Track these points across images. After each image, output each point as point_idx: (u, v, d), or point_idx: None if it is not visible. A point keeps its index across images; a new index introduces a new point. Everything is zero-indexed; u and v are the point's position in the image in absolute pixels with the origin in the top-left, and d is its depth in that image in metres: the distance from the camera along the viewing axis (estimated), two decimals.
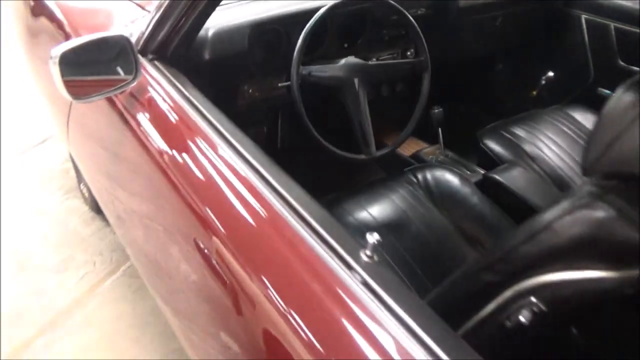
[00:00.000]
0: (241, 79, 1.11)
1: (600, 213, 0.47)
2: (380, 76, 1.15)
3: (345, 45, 1.20)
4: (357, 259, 0.53)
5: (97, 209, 1.78)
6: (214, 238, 0.67)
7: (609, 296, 0.49)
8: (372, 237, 0.53)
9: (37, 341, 1.37)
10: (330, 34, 1.15)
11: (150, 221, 0.96)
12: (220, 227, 0.67)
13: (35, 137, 2.20)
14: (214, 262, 0.68)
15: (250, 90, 1.13)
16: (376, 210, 1.01)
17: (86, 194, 1.79)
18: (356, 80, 1.04)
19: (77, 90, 0.81)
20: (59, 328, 1.40)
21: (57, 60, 0.75)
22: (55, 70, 0.76)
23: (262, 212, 0.62)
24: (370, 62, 1.13)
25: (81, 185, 1.83)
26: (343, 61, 1.06)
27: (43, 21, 1.27)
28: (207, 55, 0.99)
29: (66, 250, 1.66)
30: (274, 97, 1.16)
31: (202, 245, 0.71)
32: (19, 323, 1.41)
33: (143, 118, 0.88)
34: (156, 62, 0.91)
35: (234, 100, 1.11)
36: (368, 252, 0.53)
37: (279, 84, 1.09)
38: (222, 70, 1.03)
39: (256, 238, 0.63)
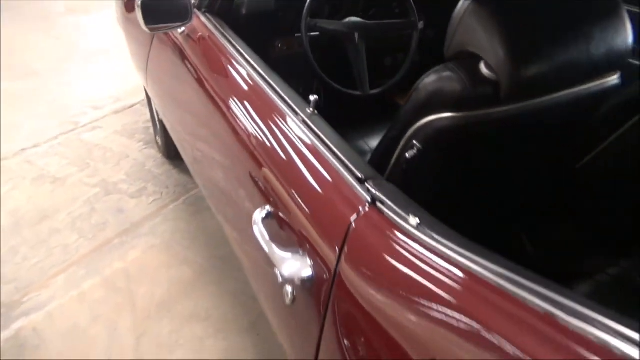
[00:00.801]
0: (273, 35, 1.44)
1: (443, 74, 0.74)
2: (376, 33, 1.42)
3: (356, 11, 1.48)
4: (305, 112, 0.84)
5: (167, 155, 2.21)
6: (263, 168, 0.87)
7: (460, 132, 0.75)
8: (313, 97, 0.83)
9: (115, 240, 1.78)
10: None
11: (211, 150, 1.24)
12: (264, 157, 0.88)
13: (128, 102, 2.71)
14: (260, 185, 0.88)
15: (279, 45, 1.46)
16: None
17: (160, 144, 2.22)
18: (356, 35, 1.34)
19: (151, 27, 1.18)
20: (131, 234, 1.81)
21: (139, 4, 1.13)
22: (138, 12, 1.14)
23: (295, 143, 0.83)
24: (368, 22, 1.41)
25: (157, 137, 2.26)
26: (347, 19, 1.36)
27: None
28: (244, 11, 1.33)
29: (142, 183, 2.08)
30: (298, 53, 1.48)
31: (253, 174, 0.90)
32: (104, 228, 1.84)
33: (194, 51, 1.24)
34: (207, 14, 1.26)
35: (266, 53, 1.45)
36: (311, 108, 0.83)
37: (296, 35, 1.41)
38: (257, 25, 1.37)
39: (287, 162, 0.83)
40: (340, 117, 1.01)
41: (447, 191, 0.87)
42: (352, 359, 0.59)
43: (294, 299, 0.68)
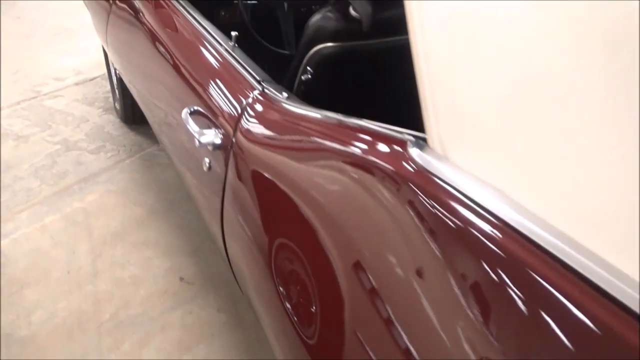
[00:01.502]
0: (220, 5, 1.71)
1: (324, 14, 1.03)
2: (302, 2, 1.71)
3: None
4: (228, 45, 1.11)
5: (125, 120, 2.43)
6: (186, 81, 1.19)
7: (338, 58, 1.04)
8: (234, 34, 1.10)
9: (74, 186, 2.00)
10: None
11: (164, 98, 1.49)
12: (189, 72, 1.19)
13: (89, 75, 2.90)
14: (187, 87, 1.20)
15: (223, 14, 1.73)
16: None
17: (118, 109, 2.44)
18: (285, 4, 1.63)
19: None
20: (89, 181, 2.03)
21: None
22: None
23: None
24: None
25: (115, 103, 2.48)
26: None
27: None
28: None
29: (100, 142, 2.30)
30: (240, 21, 1.75)
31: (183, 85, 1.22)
32: (64, 177, 2.05)
33: (148, 11, 1.48)
34: None
35: (212, 20, 1.71)
36: (232, 42, 1.11)
37: (234, 1, 1.68)
38: None
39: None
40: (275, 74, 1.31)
41: (336, 108, 1.16)
42: (246, 210, 0.85)
43: (209, 167, 0.95)
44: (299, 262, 0.69)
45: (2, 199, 1.89)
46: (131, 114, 2.35)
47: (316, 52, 1.05)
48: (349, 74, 1.11)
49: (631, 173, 0.34)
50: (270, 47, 1.62)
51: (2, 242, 1.69)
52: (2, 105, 2.56)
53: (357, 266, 0.56)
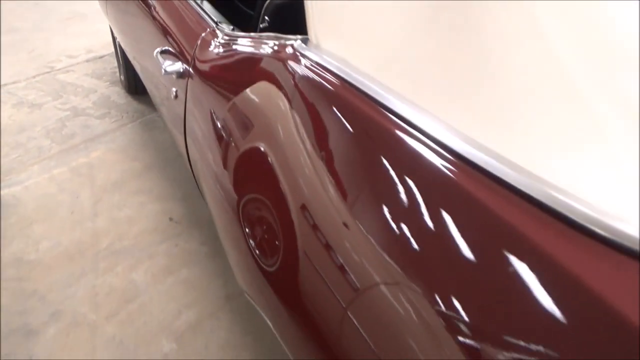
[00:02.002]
0: None
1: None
2: None
3: None
4: (198, 2, 1.29)
5: (129, 90, 2.64)
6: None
7: (288, 9, 1.22)
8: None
9: (81, 145, 2.21)
10: None
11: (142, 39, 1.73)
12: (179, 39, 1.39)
13: (99, 54, 3.13)
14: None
15: None
16: None
17: (123, 80, 2.65)
18: None
19: None
20: (94, 141, 2.25)
21: None
22: None
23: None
24: None
25: (120, 75, 2.69)
26: None
27: None
28: None
29: (106, 109, 2.52)
30: None
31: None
32: (72, 137, 2.27)
33: None
34: None
35: None
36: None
37: None
38: None
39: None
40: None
41: None
42: (200, 126, 1.03)
43: (176, 95, 1.14)
44: (241, 162, 0.87)
45: (16, 155, 2.12)
46: (134, 84, 2.56)
47: (270, 2, 1.23)
48: (299, 23, 1.28)
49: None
50: (242, 6, 1.82)
51: (15, 188, 1.91)
52: (19, 79, 2.80)
53: (275, 147, 0.74)
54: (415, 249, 0.46)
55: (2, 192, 1.89)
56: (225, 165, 0.86)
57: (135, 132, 2.34)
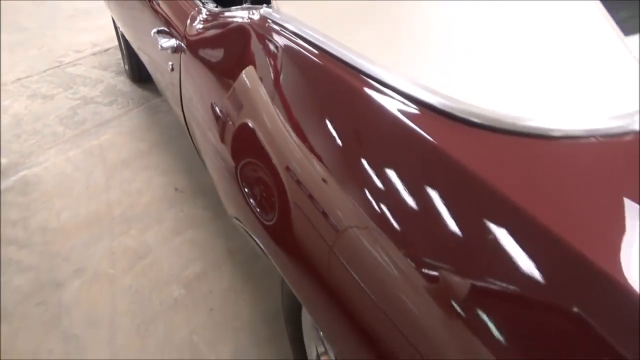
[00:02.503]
0: None
1: None
2: None
3: None
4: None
5: (133, 79, 2.83)
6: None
7: None
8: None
9: (92, 130, 2.41)
10: None
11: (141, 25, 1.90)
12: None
13: (104, 47, 3.32)
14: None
15: None
16: None
17: (127, 69, 2.84)
18: None
19: None
20: (104, 126, 2.44)
21: None
22: None
23: None
24: None
25: (125, 65, 2.88)
26: None
27: None
28: None
29: (113, 97, 2.70)
30: None
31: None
32: (83, 123, 2.46)
33: None
34: None
35: None
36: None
37: None
38: None
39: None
40: None
41: None
42: (193, 92, 1.20)
43: (172, 68, 1.32)
44: (228, 120, 1.04)
45: (34, 140, 2.32)
46: (138, 73, 2.75)
47: None
48: None
49: None
50: None
51: (35, 169, 2.11)
52: (31, 73, 3.00)
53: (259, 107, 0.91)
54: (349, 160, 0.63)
55: (24, 172, 2.09)
56: (213, 122, 1.04)
57: (140, 117, 2.52)
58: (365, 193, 0.58)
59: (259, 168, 0.81)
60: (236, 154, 0.90)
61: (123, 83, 2.86)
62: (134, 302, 1.49)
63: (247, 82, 0.88)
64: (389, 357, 0.56)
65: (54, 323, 1.43)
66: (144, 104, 2.64)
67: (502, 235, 0.46)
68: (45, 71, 3.04)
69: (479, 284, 0.46)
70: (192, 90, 1.18)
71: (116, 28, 2.74)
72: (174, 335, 1.40)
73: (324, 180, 0.64)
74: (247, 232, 0.96)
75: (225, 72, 0.97)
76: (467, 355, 0.46)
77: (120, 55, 3.02)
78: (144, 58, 1.98)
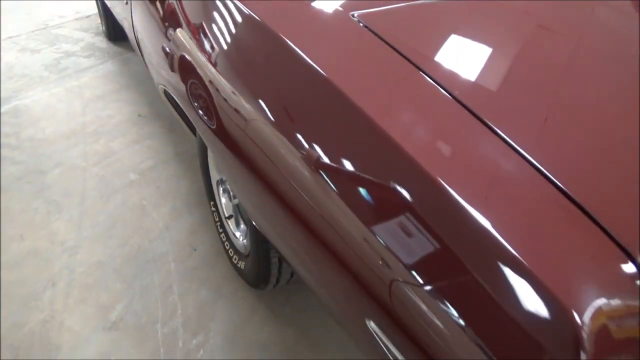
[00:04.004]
0: None
1: None
2: None
3: None
4: None
5: (109, 37, 3.31)
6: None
7: None
8: None
9: (73, 75, 2.89)
10: None
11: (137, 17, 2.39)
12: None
13: (85, 14, 3.79)
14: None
15: None
16: None
17: (104, 29, 3.31)
18: None
19: None
20: (83, 72, 2.91)
21: None
22: None
23: None
24: None
25: (102, 26, 3.35)
26: None
27: None
28: None
29: (91, 51, 3.18)
30: None
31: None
32: (65, 70, 2.94)
33: None
34: None
35: None
36: None
37: None
38: None
39: None
40: None
41: None
42: (140, 17, 1.70)
43: (126, 2, 1.81)
44: (162, 36, 1.54)
45: (24, 81, 2.79)
46: (113, 33, 3.22)
47: None
48: None
49: None
50: None
51: (25, 100, 2.59)
52: (20, 33, 3.46)
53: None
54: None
55: (15, 102, 2.57)
56: (153, 37, 1.53)
57: (114, 66, 3.01)
58: (257, 101, 1.07)
59: (183, 63, 1.31)
60: (165, 48, 1.40)
61: (101, 41, 3.34)
62: (100, 182, 1.99)
63: (175, 7, 1.38)
64: (264, 177, 1.03)
65: (38, 193, 1.93)
66: (117, 57, 3.12)
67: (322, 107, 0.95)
68: (32, 32, 3.50)
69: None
70: (138, 17, 1.68)
71: None
72: (128, 201, 1.90)
73: (233, 93, 1.09)
74: (173, 100, 1.45)
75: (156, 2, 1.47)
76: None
77: (99, 20, 3.50)
78: (109, 3, 2.46)
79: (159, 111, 2.50)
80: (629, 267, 0.58)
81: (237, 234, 1.52)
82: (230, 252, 1.55)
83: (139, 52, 1.83)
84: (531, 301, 0.54)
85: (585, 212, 0.60)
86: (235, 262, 1.52)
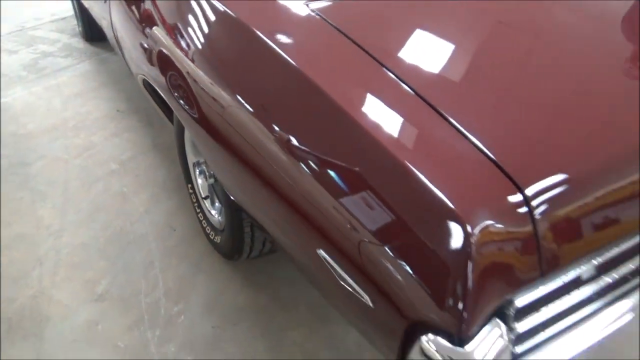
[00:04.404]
0: None
1: None
2: None
3: None
4: None
5: (85, 38, 3.39)
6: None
7: None
8: None
9: (51, 74, 2.97)
10: None
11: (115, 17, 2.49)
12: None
13: (61, 16, 3.87)
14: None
15: None
16: None
17: (80, 29, 3.40)
18: None
19: None
20: (61, 71, 3.00)
21: None
22: None
23: None
24: None
25: (78, 27, 3.44)
26: None
27: None
28: None
29: (68, 52, 3.27)
30: None
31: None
32: (43, 69, 3.02)
33: None
34: None
35: None
36: None
37: None
38: None
39: None
40: None
41: None
42: (117, 17, 1.82)
43: (105, 1, 1.93)
44: (138, 32, 1.66)
45: (3, 81, 2.87)
46: (89, 33, 3.31)
47: None
48: None
49: None
50: None
51: (5, 99, 2.68)
52: None
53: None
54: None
55: (3, 99, 2.66)
56: (129, 33, 1.66)
57: (92, 65, 3.10)
58: (231, 86, 1.20)
59: (162, 56, 1.44)
60: (142, 42, 1.53)
61: (77, 42, 3.42)
62: (82, 172, 2.10)
63: (151, 8, 1.51)
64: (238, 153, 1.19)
65: (24, 184, 2.03)
66: (94, 56, 3.22)
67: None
68: (9, 33, 3.57)
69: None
70: (115, 15, 1.80)
71: None
72: (110, 189, 2.01)
73: (210, 83, 1.22)
74: (151, 89, 1.58)
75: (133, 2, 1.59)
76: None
77: (75, 22, 3.58)
78: (87, 3, 2.56)
79: (137, 106, 2.61)
80: (517, 197, 0.74)
81: (213, 212, 1.65)
82: (207, 229, 1.68)
83: (118, 48, 1.95)
84: (438, 220, 0.69)
85: (489, 157, 0.75)
86: (212, 237, 1.65)
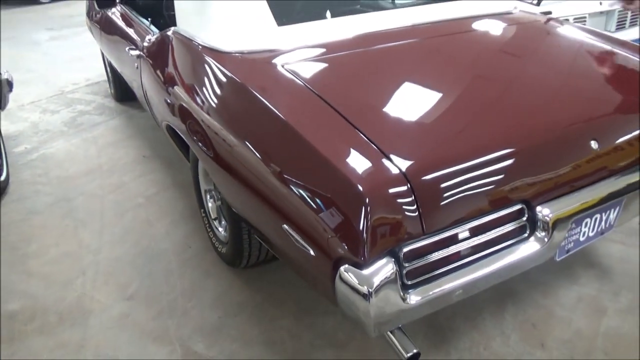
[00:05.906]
0: None
1: None
2: None
3: None
4: (146, 23, 2.63)
5: (117, 99, 3.97)
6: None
7: None
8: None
9: (87, 129, 3.51)
10: None
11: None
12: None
13: (95, 80, 4.49)
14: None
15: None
16: None
17: (112, 91, 3.98)
18: None
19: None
20: (96, 126, 3.54)
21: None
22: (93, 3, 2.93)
23: None
24: None
25: (110, 89, 4.02)
26: None
27: None
28: None
29: (102, 110, 3.83)
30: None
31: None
32: (81, 125, 3.56)
33: (115, 19, 3.02)
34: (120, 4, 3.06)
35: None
36: (148, 21, 2.63)
37: None
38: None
39: None
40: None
41: None
42: (147, 81, 2.33)
43: (137, 67, 2.45)
44: (165, 96, 2.15)
45: (47, 135, 3.41)
46: (120, 93, 3.89)
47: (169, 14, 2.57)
48: None
49: None
50: None
51: (50, 150, 3.19)
52: (41, 98, 4.13)
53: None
54: None
55: (42, 151, 3.17)
56: (159, 97, 2.16)
57: (121, 121, 3.65)
58: (235, 130, 1.68)
59: (183, 111, 1.92)
60: (167, 100, 2.01)
61: (109, 102, 4.00)
62: (115, 205, 2.55)
63: (173, 73, 2.01)
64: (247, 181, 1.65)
65: (68, 215, 2.48)
66: (124, 113, 3.77)
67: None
68: (51, 97, 4.17)
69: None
70: (147, 78, 2.31)
71: (104, 61, 3.91)
72: (138, 217, 2.45)
73: (219, 127, 1.71)
74: (175, 136, 2.06)
75: (160, 66, 2.10)
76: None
77: (107, 86, 4.18)
78: (120, 69, 3.11)
79: (159, 153, 3.10)
80: (400, 176, 1.14)
81: (220, 229, 2.07)
82: (216, 243, 2.09)
83: (146, 103, 2.45)
84: (346, 190, 1.10)
85: (380, 149, 1.17)
86: (220, 249, 2.06)
